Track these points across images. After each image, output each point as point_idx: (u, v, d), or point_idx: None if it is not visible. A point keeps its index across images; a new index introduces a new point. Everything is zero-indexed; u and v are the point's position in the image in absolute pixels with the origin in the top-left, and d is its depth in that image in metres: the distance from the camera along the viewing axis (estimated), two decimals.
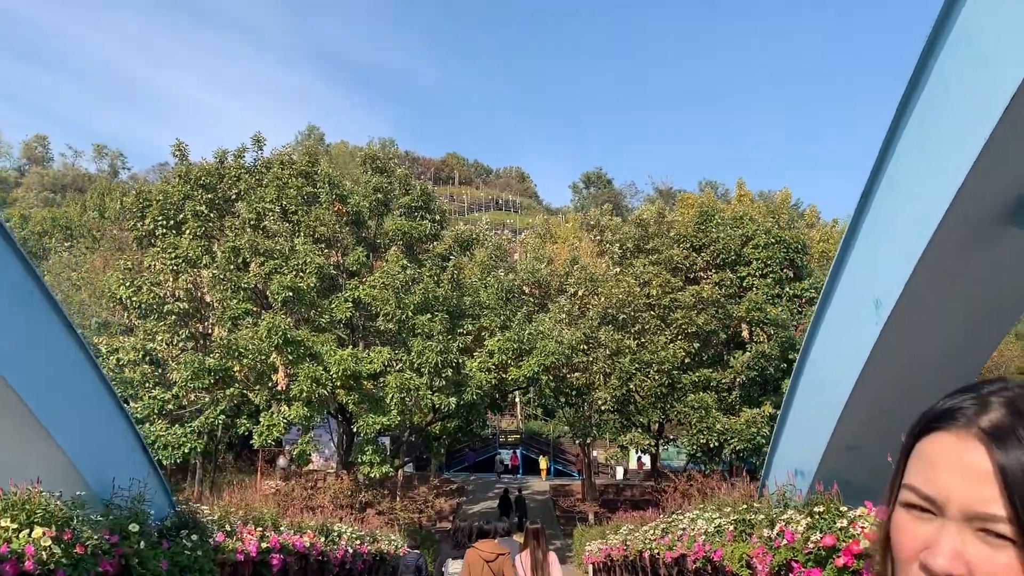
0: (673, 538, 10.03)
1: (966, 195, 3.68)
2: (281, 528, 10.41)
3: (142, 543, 5.88)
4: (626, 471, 44.43)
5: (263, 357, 25.08)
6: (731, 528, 7.37)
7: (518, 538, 14.88)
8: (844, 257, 4.80)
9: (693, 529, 9.11)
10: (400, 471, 32.33)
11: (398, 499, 30.68)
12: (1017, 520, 0.78)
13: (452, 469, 46.56)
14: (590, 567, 23.10)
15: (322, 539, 11.94)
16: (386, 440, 31.97)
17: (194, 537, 6.90)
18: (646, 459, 41.68)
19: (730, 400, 29.20)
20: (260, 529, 9.04)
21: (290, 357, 24.81)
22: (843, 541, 4.66)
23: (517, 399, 53.32)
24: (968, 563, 0.80)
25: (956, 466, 0.82)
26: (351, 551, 13.37)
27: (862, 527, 4.62)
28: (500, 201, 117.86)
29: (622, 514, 28.01)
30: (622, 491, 40.57)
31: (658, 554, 11.49)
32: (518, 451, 49.65)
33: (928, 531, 0.83)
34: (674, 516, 11.07)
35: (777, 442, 6.69)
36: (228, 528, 8.14)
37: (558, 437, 50.28)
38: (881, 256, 4.30)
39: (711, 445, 27.60)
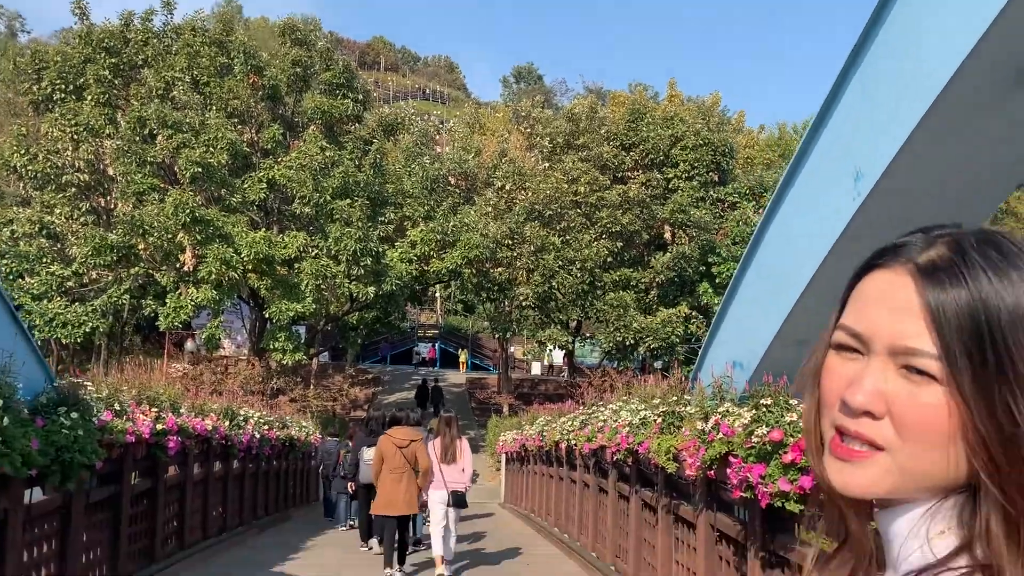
0: (593, 429, 9.80)
1: (982, 52, 3.15)
2: (181, 410, 9.77)
3: (6, 420, 5.17)
4: (551, 367, 44.87)
5: (169, 236, 23.77)
6: (658, 420, 7.07)
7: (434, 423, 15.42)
8: (821, 124, 4.23)
9: (615, 421, 8.87)
10: (315, 360, 31.74)
11: (312, 387, 30.18)
12: (944, 357, 0.73)
13: (368, 360, 46.24)
14: (503, 456, 23.26)
15: (226, 423, 11.34)
16: (301, 329, 31.25)
17: (74, 415, 6.20)
18: (559, 355, 42.15)
19: (648, 300, 29.39)
20: (156, 410, 8.36)
21: (198, 237, 23.57)
22: (791, 436, 4.32)
23: (437, 294, 52.93)
24: (888, 401, 0.75)
25: (886, 301, 0.78)
26: (258, 436, 12.84)
27: None
28: (427, 91, 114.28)
29: (537, 407, 28.30)
30: (537, 385, 41.10)
31: (575, 445, 11.34)
32: (436, 344, 49.57)
33: (853, 369, 0.78)
34: (594, 408, 10.86)
35: (715, 333, 6.30)
36: (118, 407, 7.44)
37: (477, 332, 50.50)
38: (870, 120, 3.78)
39: (627, 343, 27.84)
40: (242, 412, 12.35)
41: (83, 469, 6.30)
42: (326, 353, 38.19)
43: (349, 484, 13.32)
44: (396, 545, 9.19)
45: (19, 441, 5.32)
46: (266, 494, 14.76)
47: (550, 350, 33.38)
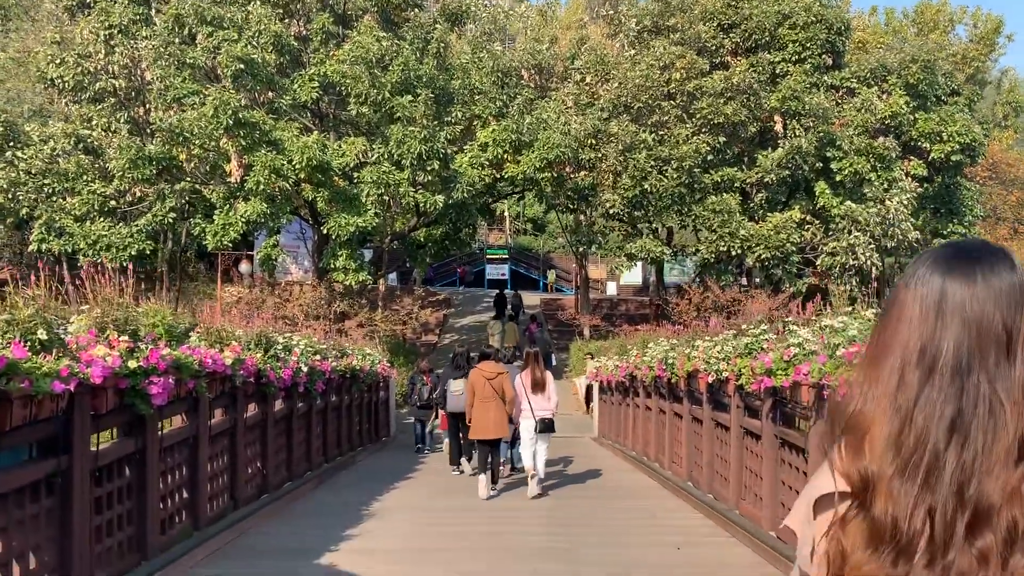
0: (777, 357, 6.64)
1: None
2: (191, 339, 7.01)
3: None
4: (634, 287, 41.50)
5: (212, 142, 21.08)
6: None
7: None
8: None
9: (828, 346, 5.72)
10: (382, 282, 29.13)
11: (379, 311, 27.62)
12: None
13: (439, 284, 43.73)
14: (595, 384, 20.32)
15: (259, 354, 8.57)
16: (367, 252, 28.62)
17: None
18: (635, 276, 38.68)
19: (753, 204, 25.64)
20: (126, 339, 5.55)
21: (243, 143, 20.79)
22: None
23: (506, 212, 50.05)
24: None
25: None
26: (305, 369, 10.07)
27: None
28: None
29: (628, 328, 25.21)
30: (616, 306, 38.03)
31: (726, 377, 8.25)
32: (507, 266, 46.56)
33: None
34: (761, 328, 7.69)
35: None
36: (43, 337, 4.63)
37: (548, 252, 47.71)
38: None
39: (732, 253, 24.31)
40: (282, 339, 9.56)
41: None
42: (393, 275, 35.64)
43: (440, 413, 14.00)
44: (490, 465, 10.06)
45: None
46: (323, 437, 12.14)
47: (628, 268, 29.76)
